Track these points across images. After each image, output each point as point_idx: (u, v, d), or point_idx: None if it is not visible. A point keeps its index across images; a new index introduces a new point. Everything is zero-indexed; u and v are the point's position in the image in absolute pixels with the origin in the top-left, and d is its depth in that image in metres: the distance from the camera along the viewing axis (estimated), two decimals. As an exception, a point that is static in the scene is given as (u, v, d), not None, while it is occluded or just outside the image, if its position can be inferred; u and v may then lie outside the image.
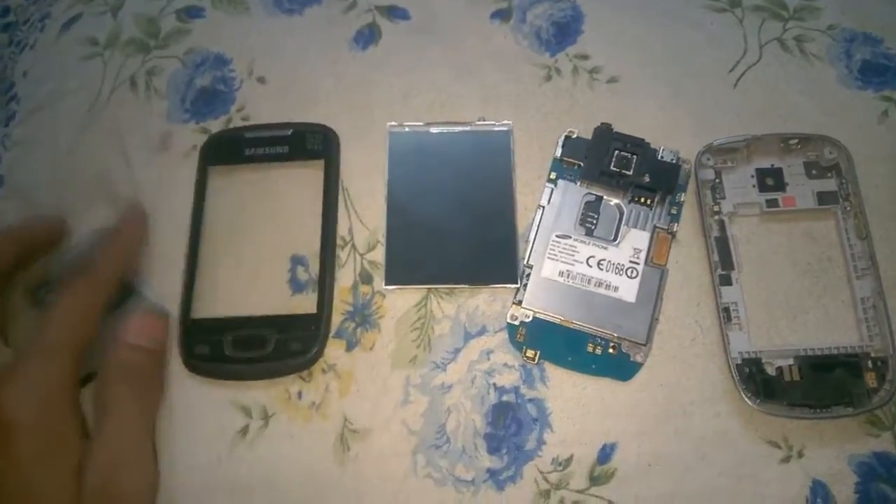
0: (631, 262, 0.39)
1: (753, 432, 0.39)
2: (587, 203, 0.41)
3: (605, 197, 0.41)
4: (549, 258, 0.40)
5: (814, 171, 0.43)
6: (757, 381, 0.39)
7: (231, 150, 0.46)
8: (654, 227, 0.40)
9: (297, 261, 0.43)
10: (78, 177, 0.47)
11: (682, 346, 0.41)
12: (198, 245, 0.44)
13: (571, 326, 0.40)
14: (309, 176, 0.45)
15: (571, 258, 0.40)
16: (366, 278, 0.43)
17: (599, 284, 0.39)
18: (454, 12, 0.50)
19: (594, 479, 0.39)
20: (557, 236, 0.40)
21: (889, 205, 0.43)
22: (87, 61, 0.51)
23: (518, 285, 0.41)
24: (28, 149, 0.49)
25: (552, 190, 0.42)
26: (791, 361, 0.39)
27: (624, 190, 0.41)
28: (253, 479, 0.40)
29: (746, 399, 0.39)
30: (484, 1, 0.50)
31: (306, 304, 0.42)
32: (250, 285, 0.43)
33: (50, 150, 0.48)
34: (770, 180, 0.42)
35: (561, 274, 0.39)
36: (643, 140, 0.42)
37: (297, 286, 0.43)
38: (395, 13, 0.50)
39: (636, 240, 0.40)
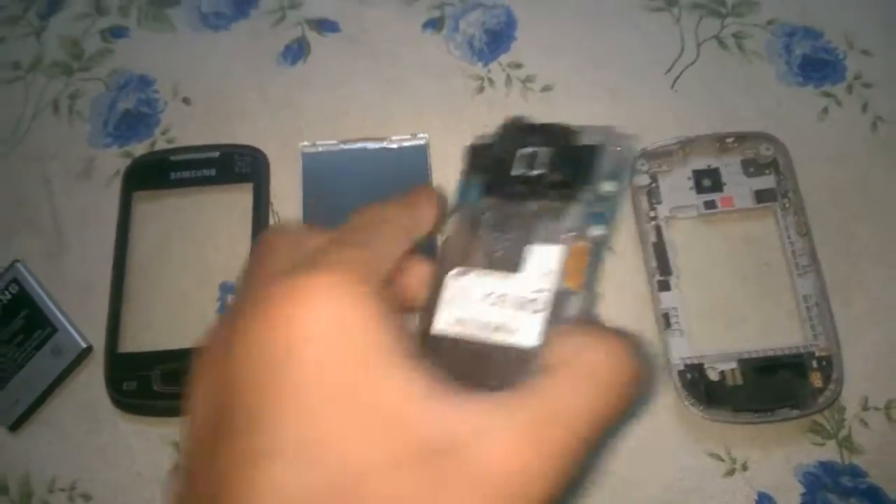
0: (535, 291, 0.28)
1: (695, 444, 0.39)
2: (486, 223, 0.30)
3: (509, 211, 0.30)
4: (445, 304, 0.29)
5: (751, 169, 0.42)
6: (700, 387, 0.38)
7: (156, 174, 0.44)
8: (569, 237, 0.28)
9: (227, 288, 0.42)
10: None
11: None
12: (122, 275, 0.42)
13: None
14: (238, 200, 0.43)
15: (468, 300, 0.29)
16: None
17: (497, 329, 0.28)
18: (385, 23, 0.49)
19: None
20: (454, 275, 0.29)
21: (829, 203, 0.42)
22: (9, 85, 0.49)
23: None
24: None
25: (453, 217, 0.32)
26: (734, 365, 0.39)
27: (529, 196, 0.30)
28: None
29: (689, 406, 0.38)
30: (416, 10, 0.49)
31: (239, 331, 0.41)
32: (179, 316, 0.41)
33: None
34: (707, 181, 0.42)
35: (457, 322, 0.28)
36: (564, 126, 0.30)
37: (229, 313, 0.42)
38: (324, 26, 0.49)
39: (544, 259, 0.29)
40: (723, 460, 0.39)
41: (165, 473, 0.39)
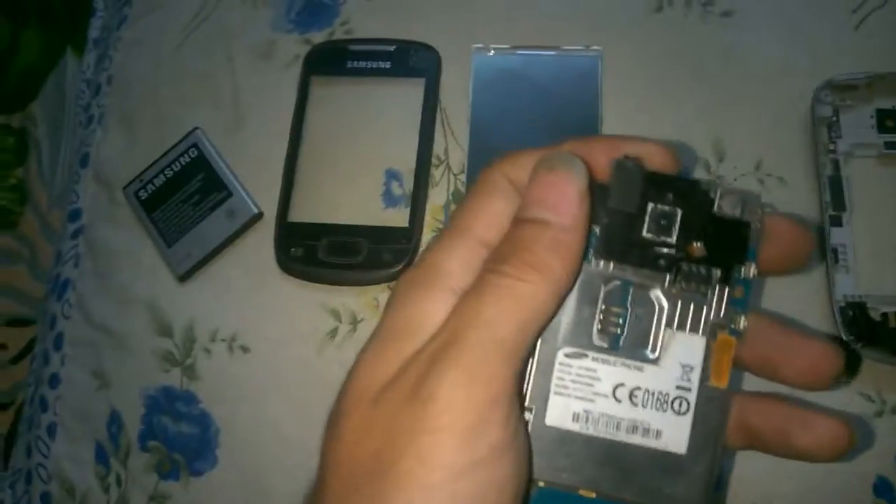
0: (679, 387, 0.25)
1: (847, 383, 0.38)
2: (609, 294, 0.25)
3: (635, 281, 0.25)
4: (556, 393, 0.25)
5: (938, 116, 0.41)
6: (860, 325, 0.38)
7: (334, 61, 0.46)
8: (713, 325, 0.25)
9: (391, 175, 0.44)
10: (181, 77, 0.48)
11: (783, 287, 0.39)
12: (297, 151, 0.44)
13: (594, 498, 0.25)
14: (409, 93, 0.45)
15: (590, 390, 0.25)
16: (458, 198, 0.43)
17: (633, 429, 0.25)
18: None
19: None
20: (567, 356, 0.25)
21: None
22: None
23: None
24: (136, 49, 0.50)
25: None
26: (897, 308, 0.38)
27: (664, 269, 0.25)
28: (341, 380, 0.40)
29: (849, 343, 0.37)
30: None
31: (398, 217, 0.43)
32: (345, 194, 0.43)
33: (156, 51, 0.49)
34: (890, 122, 0.41)
35: (576, 418, 0.25)
36: (695, 181, 0.25)
37: (390, 200, 0.43)
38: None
39: (685, 350, 0.25)
40: (873, 401, 0.38)
41: (322, 335, 0.41)
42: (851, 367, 0.38)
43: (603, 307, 0.25)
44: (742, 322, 0.24)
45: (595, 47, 0.44)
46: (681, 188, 0.24)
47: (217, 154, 0.45)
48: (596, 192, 0.24)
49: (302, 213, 0.43)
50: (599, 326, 0.24)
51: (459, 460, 0.20)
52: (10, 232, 0.78)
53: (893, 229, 0.40)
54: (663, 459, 0.25)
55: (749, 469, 0.38)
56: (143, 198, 0.46)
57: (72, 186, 0.50)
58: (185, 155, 0.45)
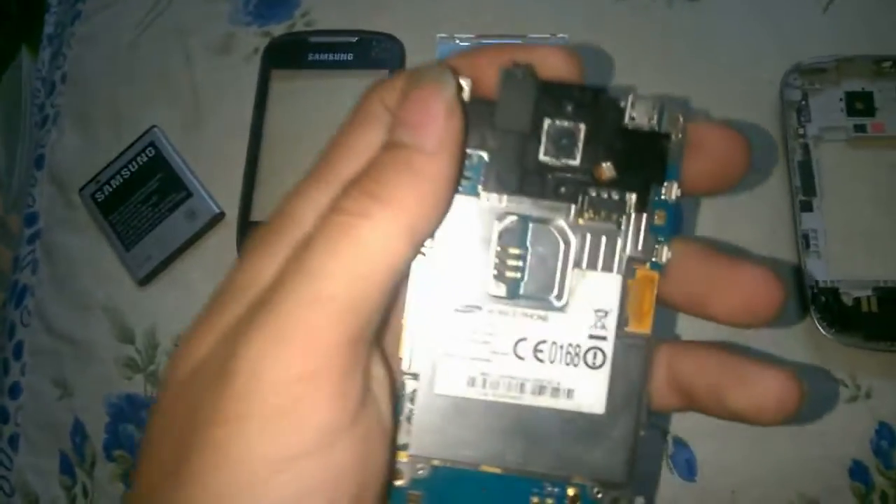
0: (592, 336, 0.21)
1: (821, 368, 0.38)
2: (504, 233, 0.21)
3: (534, 216, 0.21)
4: (446, 356, 0.21)
5: (906, 97, 0.40)
6: (833, 311, 0.38)
7: (295, 54, 0.44)
8: (629, 259, 0.20)
9: (357, 170, 0.43)
10: (137, 74, 0.46)
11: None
12: (258, 148, 0.43)
13: (500, 473, 0.21)
14: (372, 85, 0.44)
15: (487, 348, 0.21)
16: (426, 192, 0.42)
17: (540, 390, 0.21)
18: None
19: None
20: (457, 311, 0.21)
21: None
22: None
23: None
24: (91, 46, 0.48)
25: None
26: (869, 292, 0.38)
27: (568, 198, 0.21)
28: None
29: (821, 329, 0.37)
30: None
31: (365, 214, 0.42)
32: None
33: (111, 47, 0.47)
34: (860, 104, 0.40)
35: (472, 382, 0.21)
36: (599, 89, 0.21)
37: (356, 196, 0.42)
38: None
39: (598, 293, 0.21)
40: (847, 386, 0.38)
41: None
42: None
43: (498, 249, 0.20)
44: (665, 253, 0.20)
45: (561, 35, 0.44)
46: (583, 99, 0.20)
47: (175, 153, 0.44)
48: (483, 111, 0.20)
49: (264, 212, 0.42)
50: (495, 272, 0.20)
51: (267, 454, 0.16)
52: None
53: (864, 213, 0.39)
54: (578, 422, 0.21)
55: (723, 456, 0.38)
56: (99, 200, 0.44)
57: (28, 189, 0.48)
58: (143, 154, 0.44)
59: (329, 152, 0.19)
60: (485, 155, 0.20)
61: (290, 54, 0.45)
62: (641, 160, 0.20)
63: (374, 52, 0.44)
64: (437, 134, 0.18)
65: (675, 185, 0.20)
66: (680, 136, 0.20)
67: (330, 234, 0.17)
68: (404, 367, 0.20)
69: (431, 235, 0.19)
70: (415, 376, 0.20)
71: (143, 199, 0.43)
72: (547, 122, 0.20)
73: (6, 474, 0.44)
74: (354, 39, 0.44)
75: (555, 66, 0.20)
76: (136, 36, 0.47)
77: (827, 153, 0.40)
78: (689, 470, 0.38)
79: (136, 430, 0.42)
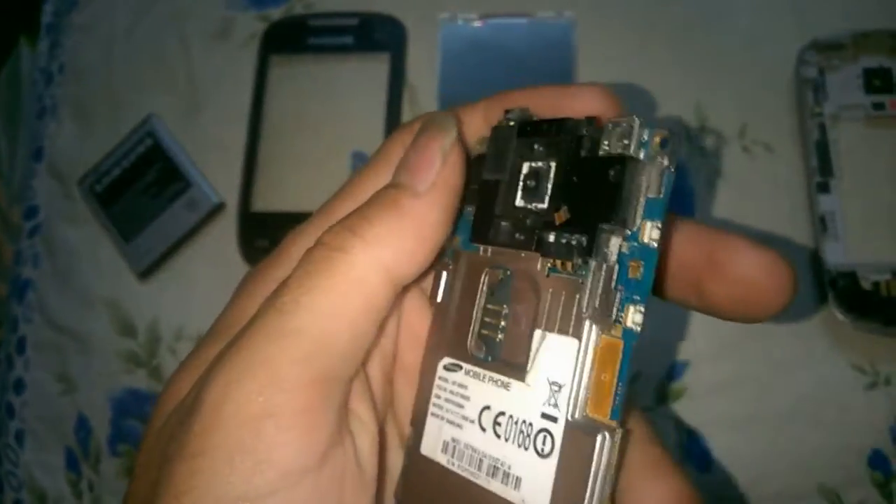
0: (544, 415, 0.17)
1: (839, 354, 0.37)
2: (492, 287, 0.19)
3: (513, 268, 0.18)
4: (432, 414, 0.19)
5: (926, 74, 0.39)
6: (851, 295, 0.36)
7: (294, 38, 0.43)
8: (591, 321, 0.16)
9: (358, 157, 0.41)
10: (134, 62, 0.45)
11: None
12: (257, 136, 0.42)
13: None
14: (374, 69, 0.42)
15: (460, 413, 0.18)
16: (430, 178, 0.41)
17: (493, 471, 0.17)
18: None
19: (662, 399, 0.37)
20: (445, 368, 0.19)
21: None
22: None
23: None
24: (87, 34, 0.47)
25: (447, 269, 0.20)
26: (888, 276, 0.36)
27: (537, 244, 0.18)
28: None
29: (838, 314, 0.36)
30: None
31: (368, 202, 0.41)
32: (310, 180, 0.41)
33: (107, 35, 0.46)
34: (878, 81, 0.39)
35: (445, 448, 0.18)
36: (562, 119, 0.18)
37: (358, 184, 0.41)
38: None
39: (555, 359, 0.17)
40: (866, 373, 0.37)
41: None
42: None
43: (484, 305, 0.18)
44: (632, 315, 0.16)
45: (568, 13, 0.42)
46: (549, 133, 0.18)
47: (174, 142, 0.43)
48: (481, 166, 0.19)
49: (265, 201, 0.41)
50: (478, 330, 0.18)
51: (228, 492, 0.15)
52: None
53: (883, 194, 0.38)
54: None
55: (739, 447, 0.37)
56: (98, 192, 0.43)
57: (27, 182, 0.48)
58: (141, 144, 0.43)
59: (338, 192, 0.19)
60: (472, 208, 0.19)
61: (288, 39, 0.43)
62: (594, 195, 0.16)
63: (374, 35, 0.43)
64: (429, 177, 0.18)
65: (653, 226, 0.16)
66: (666, 161, 0.16)
67: (307, 267, 0.17)
68: (411, 417, 0.19)
69: (414, 279, 0.18)
70: (415, 429, 0.19)
71: (141, 190, 0.43)
72: (526, 166, 0.18)
73: (13, 470, 0.44)
74: (354, 21, 0.43)
75: (592, 109, 0.18)
76: (133, 23, 0.46)
77: (844, 132, 0.39)
78: (703, 462, 0.37)
79: (139, 424, 0.41)
